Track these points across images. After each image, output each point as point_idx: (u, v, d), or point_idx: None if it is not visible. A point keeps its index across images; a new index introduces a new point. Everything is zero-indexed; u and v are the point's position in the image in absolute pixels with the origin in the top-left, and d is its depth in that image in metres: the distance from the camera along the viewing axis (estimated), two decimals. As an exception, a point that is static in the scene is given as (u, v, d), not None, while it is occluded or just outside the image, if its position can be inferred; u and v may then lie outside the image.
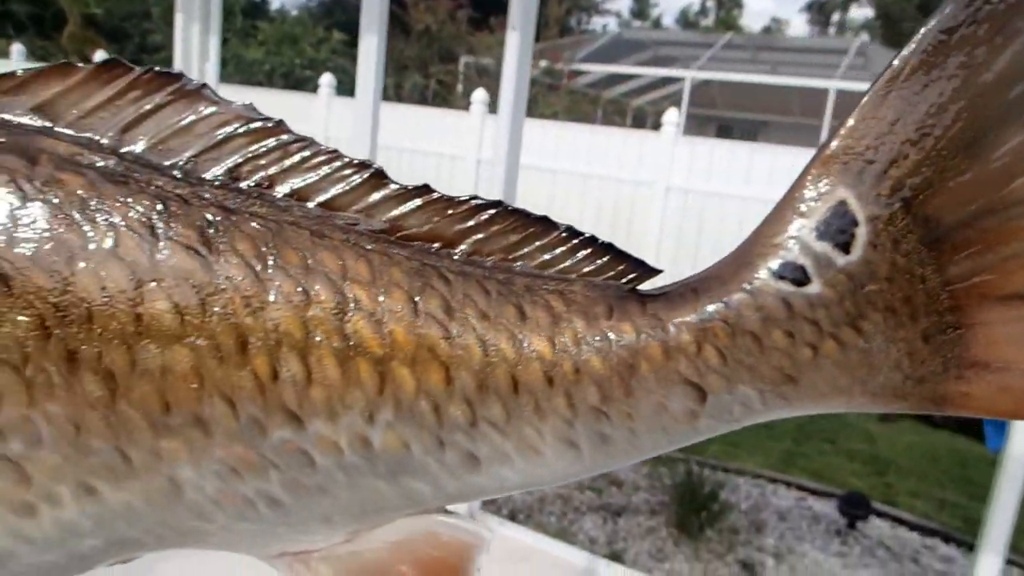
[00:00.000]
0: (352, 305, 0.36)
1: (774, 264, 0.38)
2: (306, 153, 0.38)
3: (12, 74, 0.36)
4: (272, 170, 0.37)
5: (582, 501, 3.41)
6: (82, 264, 0.34)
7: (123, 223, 0.35)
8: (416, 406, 0.36)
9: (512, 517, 3.12)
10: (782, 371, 0.38)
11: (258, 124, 0.37)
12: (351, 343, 0.36)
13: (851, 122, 0.38)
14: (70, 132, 0.36)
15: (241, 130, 0.37)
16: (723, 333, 0.38)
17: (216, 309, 0.35)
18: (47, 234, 0.34)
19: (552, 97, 10.00)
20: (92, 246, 0.34)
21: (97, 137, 0.36)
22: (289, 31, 11.78)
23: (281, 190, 0.38)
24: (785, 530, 3.35)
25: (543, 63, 9.99)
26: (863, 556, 3.21)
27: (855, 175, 0.38)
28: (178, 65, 3.47)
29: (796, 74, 10.60)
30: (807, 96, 11.06)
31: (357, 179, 0.38)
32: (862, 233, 0.38)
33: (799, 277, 0.38)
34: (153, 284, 0.34)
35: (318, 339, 0.35)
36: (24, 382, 0.33)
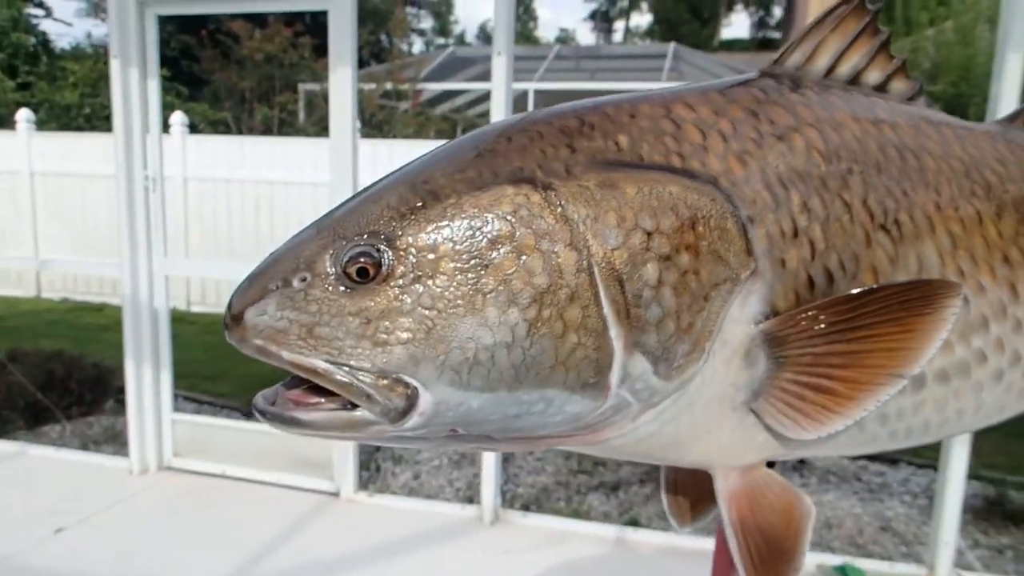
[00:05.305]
0: None
1: None
2: None
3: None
4: None
5: (580, 483, 3.69)
6: None
7: None
8: None
9: (526, 508, 3.33)
10: None
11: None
12: None
13: None
14: None
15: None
16: None
17: None
18: None
19: (407, 117, 10.19)
20: None
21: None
22: (104, 70, 11.00)
23: None
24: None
25: (388, 85, 10.16)
26: None
27: None
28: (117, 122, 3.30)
29: (618, 79, 11.53)
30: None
31: None
32: None
33: None
34: None
35: None
36: None
